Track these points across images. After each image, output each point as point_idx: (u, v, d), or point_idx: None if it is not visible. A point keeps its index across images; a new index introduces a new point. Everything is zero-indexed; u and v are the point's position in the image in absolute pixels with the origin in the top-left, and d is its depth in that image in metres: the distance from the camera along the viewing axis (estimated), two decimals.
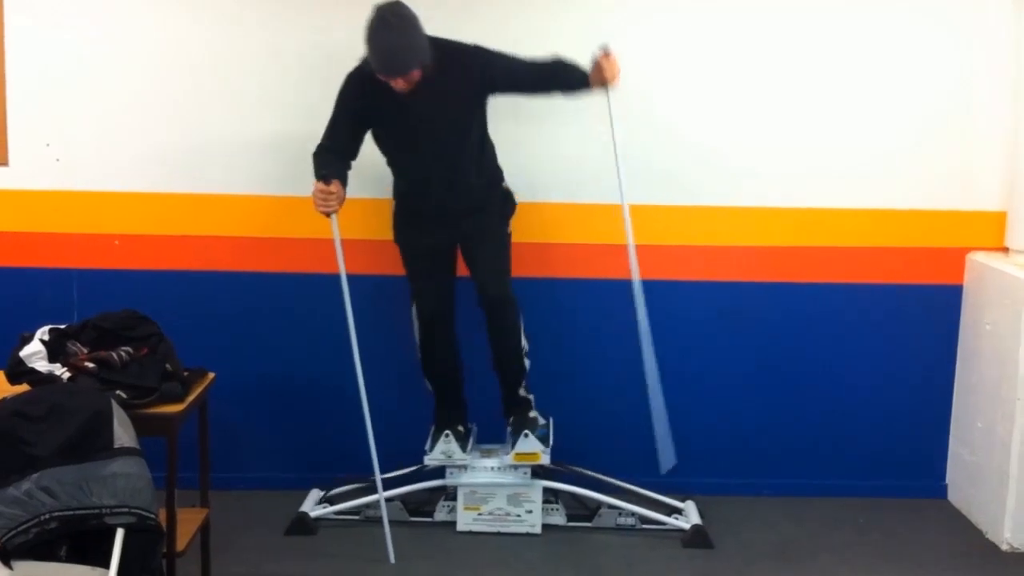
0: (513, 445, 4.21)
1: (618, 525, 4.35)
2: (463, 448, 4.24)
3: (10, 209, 4.50)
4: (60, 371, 3.12)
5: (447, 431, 4.21)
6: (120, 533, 2.72)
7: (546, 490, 4.31)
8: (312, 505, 4.40)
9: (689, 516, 4.36)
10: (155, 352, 3.26)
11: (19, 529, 2.64)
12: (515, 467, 4.26)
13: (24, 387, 3.11)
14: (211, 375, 3.46)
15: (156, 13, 4.42)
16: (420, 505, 4.40)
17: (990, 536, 4.32)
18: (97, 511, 2.70)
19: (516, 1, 4.37)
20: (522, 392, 4.29)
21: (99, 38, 4.42)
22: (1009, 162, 4.51)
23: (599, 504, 4.36)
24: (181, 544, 3.24)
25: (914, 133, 4.53)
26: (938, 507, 4.64)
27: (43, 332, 3.23)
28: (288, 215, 4.42)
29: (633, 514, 4.35)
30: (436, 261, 4.15)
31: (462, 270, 4.22)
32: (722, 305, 4.61)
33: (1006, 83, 4.49)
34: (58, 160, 4.46)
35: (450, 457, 4.24)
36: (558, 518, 4.36)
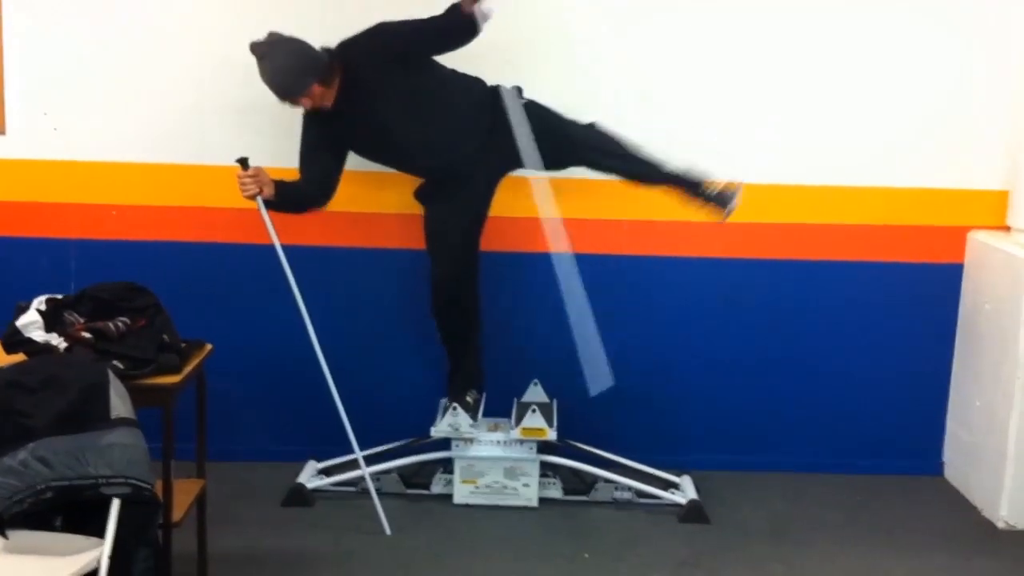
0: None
1: (614, 499, 4.36)
2: (473, 419, 4.26)
3: (7, 179, 4.48)
4: (56, 341, 3.11)
5: (455, 404, 4.23)
6: (116, 504, 2.72)
7: (543, 464, 4.31)
8: (309, 477, 4.41)
9: (686, 491, 4.37)
10: (152, 323, 3.24)
11: (14, 499, 2.64)
12: (521, 442, 4.26)
13: (20, 357, 3.10)
14: (209, 346, 3.45)
15: None
16: (417, 477, 4.41)
17: (986, 514, 4.33)
18: (93, 481, 2.70)
19: None
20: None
21: (99, 6, 4.39)
22: (1011, 141, 4.48)
23: (595, 478, 4.37)
24: (177, 515, 3.24)
25: (917, 111, 4.51)
26: (935, 485, 4.65)
27: (40, 302, 3.21)
28: None
29: (629, 488, 4.36)
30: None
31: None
32: (721, 282, 4.60)
33: (1009, 63, 4.46)
34: (56, 129, 4.44)
35: (457, 430, 4.24)
36: (555, 492, 4.37)
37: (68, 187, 4.49)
